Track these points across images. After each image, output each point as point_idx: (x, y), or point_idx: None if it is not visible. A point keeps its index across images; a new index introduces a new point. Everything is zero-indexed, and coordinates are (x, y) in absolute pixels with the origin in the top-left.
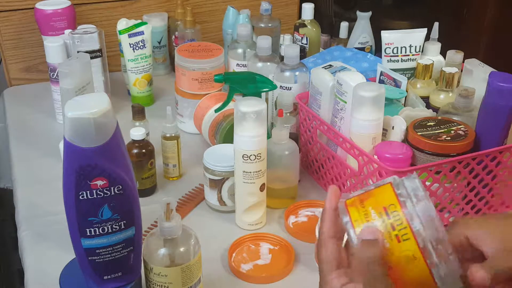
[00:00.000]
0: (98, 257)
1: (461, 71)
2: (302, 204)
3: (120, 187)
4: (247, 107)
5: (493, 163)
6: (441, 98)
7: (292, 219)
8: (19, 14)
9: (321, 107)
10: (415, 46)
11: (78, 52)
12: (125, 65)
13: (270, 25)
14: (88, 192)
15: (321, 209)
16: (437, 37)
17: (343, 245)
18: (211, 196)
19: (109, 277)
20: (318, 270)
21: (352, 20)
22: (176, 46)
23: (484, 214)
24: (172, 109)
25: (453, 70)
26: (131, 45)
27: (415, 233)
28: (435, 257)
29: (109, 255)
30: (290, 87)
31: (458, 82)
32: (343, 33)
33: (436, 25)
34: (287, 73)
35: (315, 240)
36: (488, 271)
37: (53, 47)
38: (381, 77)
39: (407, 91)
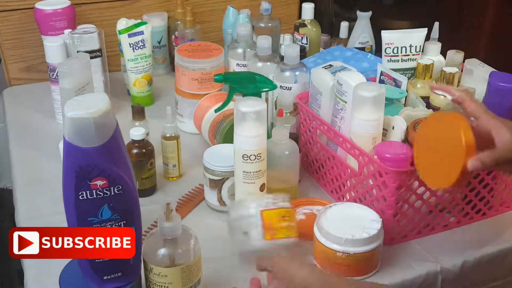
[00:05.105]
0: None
1: (461, 71)
2: (300, 202)
3: (120, 187)
4: (247, 107)
5: None
6: (441, 98)
7: None
8: (19, 14)
9: (321, 107)
10: (415, 46)
11: (78, 52)
12: (125, 65)
13: (270, 25)
14: (88, 192)
15: (319, 207)
16: (437, 37)
17: None
18: (211, 196)
19: (109, 277)
20: None
21: (352, 20)
22: (176, 46)
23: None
24: (172, 109)
25: (453, 70)
26: (131, 45)
27: None
28: None
29: None
30: (290, 87)
31: (458, 82)
32: (343, 33)
33: (436, 25)
34: (287, 73)
35: (313, 238)
36: (488, 159)
37: (53, 47)
38: (381, 77)
39: (407, 91)
